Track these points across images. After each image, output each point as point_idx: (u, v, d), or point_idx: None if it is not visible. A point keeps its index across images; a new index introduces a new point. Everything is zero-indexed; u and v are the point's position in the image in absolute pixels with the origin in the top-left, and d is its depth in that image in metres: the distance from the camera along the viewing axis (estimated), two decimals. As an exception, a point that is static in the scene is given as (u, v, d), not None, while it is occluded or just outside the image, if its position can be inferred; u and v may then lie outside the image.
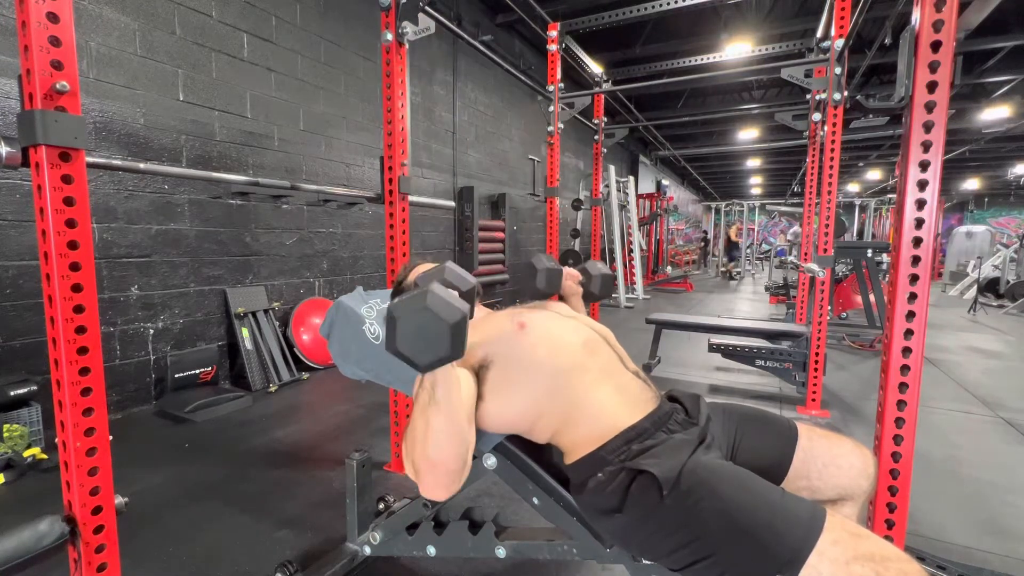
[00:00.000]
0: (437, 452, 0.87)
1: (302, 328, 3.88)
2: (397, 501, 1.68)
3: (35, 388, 2.42)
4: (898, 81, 1.09)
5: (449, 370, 0.87)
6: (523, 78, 3.89)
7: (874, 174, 15.80)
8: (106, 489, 1.11)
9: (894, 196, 3.01)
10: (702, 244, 17.02)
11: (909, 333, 1.13)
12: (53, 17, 0.97)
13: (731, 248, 13.94)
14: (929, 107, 1.05)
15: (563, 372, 1.02)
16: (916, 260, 1.11)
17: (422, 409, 0.87)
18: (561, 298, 1.48)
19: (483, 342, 1.07)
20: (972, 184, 17.65)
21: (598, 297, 1.54)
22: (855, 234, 13.41)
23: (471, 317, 0.90)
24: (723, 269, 13.85)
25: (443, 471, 0.88)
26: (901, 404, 1.15)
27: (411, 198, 2.28)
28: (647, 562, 1.02)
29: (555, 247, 3.75)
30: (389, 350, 0.81)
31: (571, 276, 1.48)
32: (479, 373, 1.04)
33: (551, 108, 3.62)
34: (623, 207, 8.70)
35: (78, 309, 1.04)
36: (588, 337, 1.10)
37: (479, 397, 1.02)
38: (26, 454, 2.22)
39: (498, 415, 1.04)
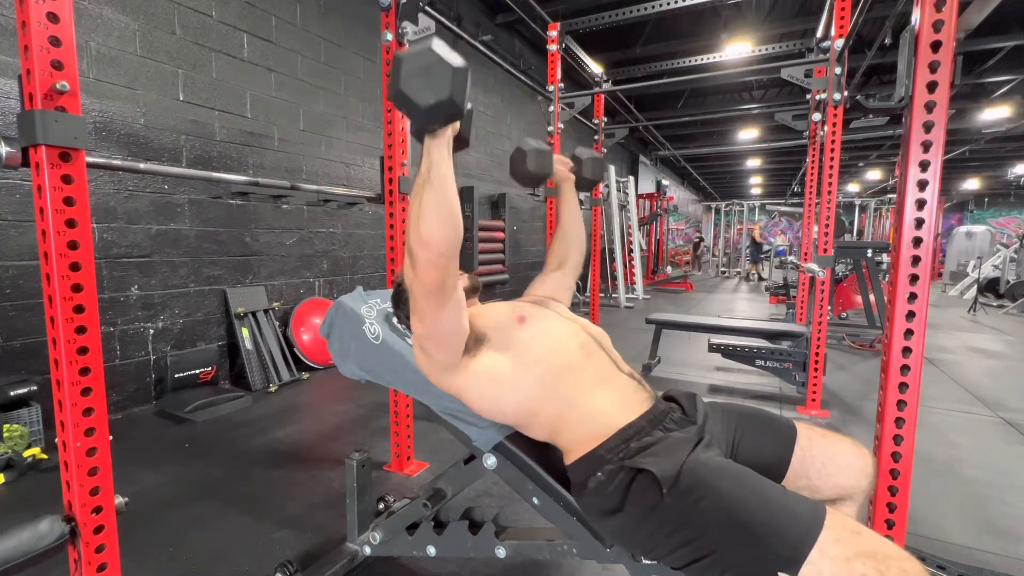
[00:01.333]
0: (428, 229, 0.89)
1: (302, 328, 3.88)
2: (397, 501, 1.68)
3: (35, 388, 2.42)
4: (898, 81, 1.09)
5: (443, 148, 0.91)
6: (523, 78, 3.89)
7: (874, 174, 15.79)
8: (106, 489, 1.11)
9: (894, 196, 3.01)
10: (695, 244, 16.57)
11: (909, 333, 1.13)
12: (53, 17, 0.97)
13: (755, 249, 13.46)
14: (929, 107, 1.05)
15: (558, 371, 1.03)
16: (916, 260, 1.11)
17: (418, 191, 0.90)
18: (554, 184, 1.44)
19: (483, 324, 1.10)
20: (972, 184, 17.65)
21: (590, 181, 1.50)
22: (855, 234, 13.41)
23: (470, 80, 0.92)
24: (739, 271, 13.73)
25: (435, 251, 0.90)
26: (901, 404, 1.15)
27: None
28: (647, 561, 1.02)
29: (555, 247, 3.74)
30: (391, 96, 0.86)
31: (562, 162, 1.44)
32: (477, 344, 1.07)
33: (551, 108, 3.63)
34: (623, 207, 8.70)
35: (78, 309, 1.05)
36: (584, 340, 1.11)
37: (475, 354, 1.06)
38: (26, 454, 2.22)
39: (494, 402, 1.06)
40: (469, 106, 0.94)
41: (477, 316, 1.13)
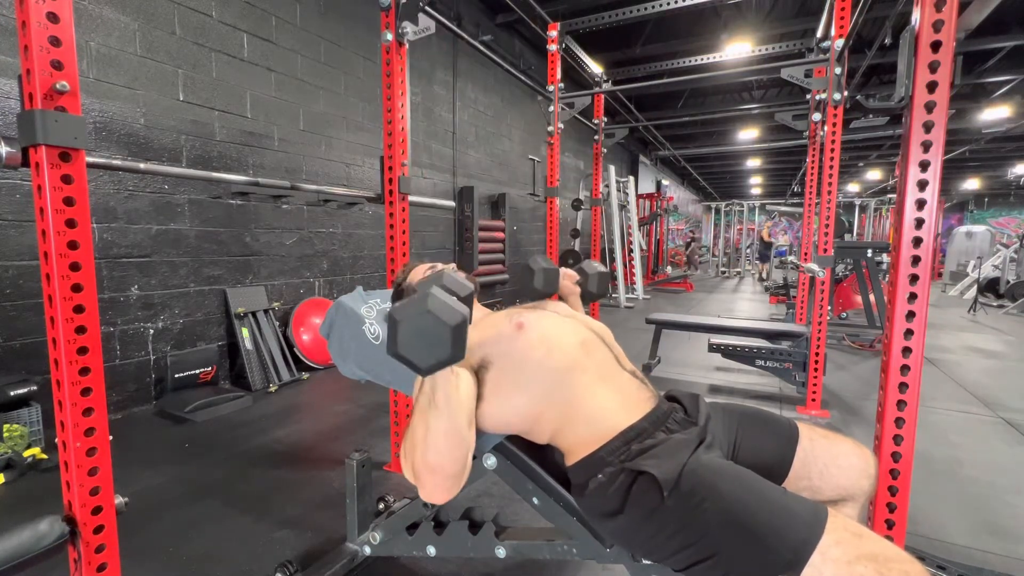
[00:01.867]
0: (437, 456, 0.87)
1: (302, 328, 3.88)
2: (397, 501, 1.68)
3: (35, 388, 2.42)
4: (898, 81, 1.09)
5: (448, 373, 0.88)
6: (523, 78, 3.89)
7: (874, 174, 15.80)
8: (106, 489, 1.11)
9: (894, 196, 3.01)
10: (687, 243, 15.78)
11: (909, 333, 1.13)
12: (53, 17, 0.97)
13: (764, 248, 13.25)
14: (929, 107, 1.05)
15: (561, 372, 1.02)
16: (916, 260, 1.10)
17: (422, 413, 0.88)
18: (560, 298, 1.48)
19: (482, 343, 1.07)
20: (972, 184, 17.66)
21: (595, 296, 1.55)
22: (854, 234, 13.39)
23: (470, 322, 0.90)
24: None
25: (443, 475, 0.88)
26: (901, 404, 1.15)
27: (411, 198, 2.28)
28: (647, 562, 1.02)
29: (555, 247, 3.75)
30: (391, 354, 0.82)
31: (568, 276, 1.48)
32: (478, 374, 1.04)
33: (551, 108, 3.63)
34: (623, 207, 8.70)
35: (78, 309, 1.04)
36: (585, 337, 1.09)
37: (479, 398, 1.02)
38: (26, 454, 2.22)
39: (498, 415, 1.04)
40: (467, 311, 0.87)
41: (476, 331, 1.09)
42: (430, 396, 0.87)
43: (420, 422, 0.88)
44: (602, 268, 1.55)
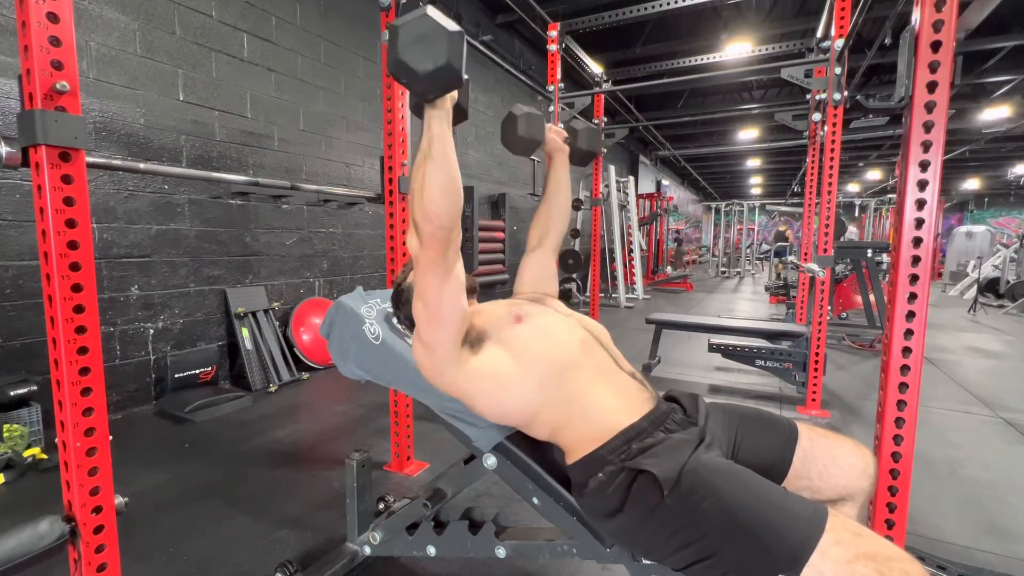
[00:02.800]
0: (432, 204, 0.89)
1: (302, 328, 3.88)
2: (397, 501, 1.68)
3: (35, 388, 2.42)
4: (898, 81, 1.09)
5: (443, 122, 0.91)
6: (523, 78, 3.89)
7: (874, 174, 15.80)
8: (106, 489, 1.11)
9: (894, 196, 3.01)
10: (677, 242, 14.81)
11: (909, 333, 1.13)
12: (53, 17, 0.97)
13: (781, 242, 12.86)
14: (929, 107, 1.05)
15: (560, 368, 1.03)
16: (916, 260, 1.10)
17: (420, 164, 0.91)
18: (549, 156, 1.41)
19: (483, 322, 1.10)
20: (972, 184, 17.66)
21: (586, 152, 1.46)
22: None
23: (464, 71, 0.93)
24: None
25: (438, 224, 0.90)
26: (901, 404, 1.15)
27: (411, 198, 2.27)
28: (647, 562, 1.02)
29: (555, 247, 3.74)
30: (390, 67, 0.86)
31: (556, 132, 1.41)
32: (478, 341, 1.07)
33: (551, 108, 3.62)
34: (623, 207, 8.70)
35: (78, 309, 1.04)
36: (584, 337, 1.10)
37: (476, 351, 1.04)
38: (26, 454, 2.22)
39: (497, 404, 1.05)
40: (466, 76, 0.94)
41: (476, 315, 1.12)
42: (426, 151, 0.90)
43: (417, 173, 0.91)
44: (590, 124, 1.48)
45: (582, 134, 1.44)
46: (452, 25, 0.85)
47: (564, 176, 1.42)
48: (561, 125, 1.47)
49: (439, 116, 0.91)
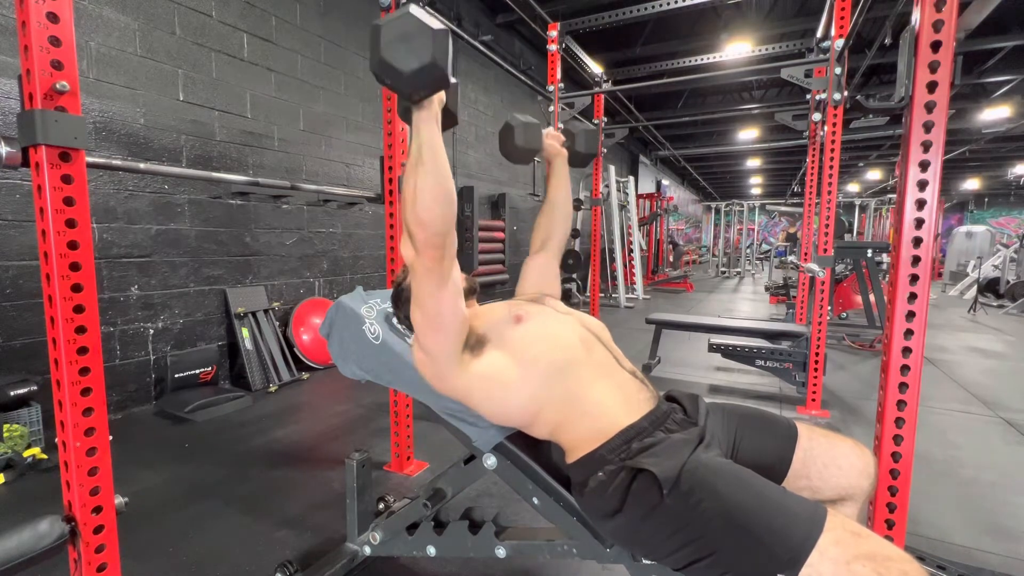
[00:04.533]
0: (424, 211, 0.88)
1: (302, 328, 3.88)
2: (397, 501, 1.68)
3: (35, 388, 2.42)
4: (898, 81, 1.09)
5: (432, 126, 0.90)
6: (523, 78, 3.89)
7: (874, 174, 15.80)
8: (106, 489, 1.11)
9: (894, 196, 3.01)
10: (672, 244, 14.35)
11: (909, 333, 1.13)
12: (53, 17, 0.97)
13: (792, 245, 12.77)
14: (929, 107, 1.05)
15: (561, 367, 1.03)
16: (916, 260, 1.11)
17: (410, 172, 0.89)
18: (547, 161, 1.41)
19: (483, 325, 1.10)
20: (972, 184, 17.66)
21: (584, 155, 1.45)
22: (854, 234, 13.38)
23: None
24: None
25: (432, 231, 0.89)
26: (901, 404, 1.15)
27: (411, 198, 2.27)
28: (647, 562, 1.02)
29: (555, 247, 3.74)
30: (373, 67, 0.84)
31: (554, 136, 1.41)
32: (479, 345, 1.06)
33: (551, 108, 3.62)
34: (623, 207, 8.70)
35: (78, 309, 1.04)
36: (584, 335, 1.10)
37: (477, 354, 1.04)
38: (26, 454, 2.22)
39: (499, 405, 1.05)
40: (455, 80, 0.93)
41: (476, 318, 1.12)
42: (417, 156, 0.89)
43: (409, 180, 0.89)
44: (588, 125, 1.47)
45: (579, 137, 1.44)
46: (436, 23, 0.83)
47: (564, 180, 1.43)
48: (561, 127, 1.46)
49: (427, 119, 0.90)
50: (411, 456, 2.31)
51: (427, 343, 1.02)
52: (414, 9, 0.83)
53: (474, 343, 1.06)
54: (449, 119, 1.01)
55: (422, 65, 0.82)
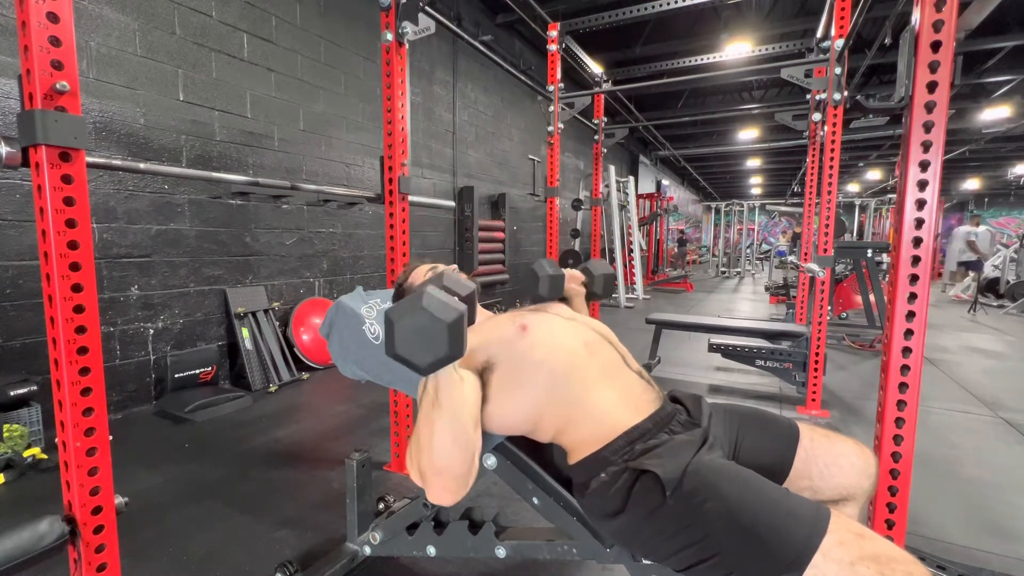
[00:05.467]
0: (443, 458, 0.86)
1: (302, 328, 3.88)
2: (397, 501, 1.68)
3: (35, 388, 2.42)
4: (898, 81, 1.09)
5: (451, 373, 0.87)
6: (523, 78, 3.89)
7: (874, 174, 15.80)
8: (106, 489, 1.11)
9: (894, 196, 3.01)
10: (679, 241, 14.27)
11: (909, 333, 1.13)
12: (53, 17, 0.97)
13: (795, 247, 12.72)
14: (929, 107, 1.05)
15: (564, 373, 1.02)
16: (916, 260, 1.11)
17: (426, 414, 0.87)
18: (564, 300, 1.47)
19: (485, 344, 1.07)
20: (972, 184, 17.65)
21: (600, 297, 1.54)
22: (855, 234, 13.38)
23: (472, 322, 0.89)
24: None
25: (449, 476, 0.88)
26: (901, 404, 1.15)
27: (411, 198, 2.28)
28: (647, 562, 1.02)
29: (555, 247, 3.75)
30: (389, 355, 0.81)
31: (573, 278, 1.47)
32: (483, 375, 1.04)
33: (551, 108, 3.62)
34: (623, 207, 8.69)
35: (78, 309, 1.04)
36: (589, 338, 1.10)
37: (484, 399, 1.02)
38: (26, 454, 2.22)
39: (502, 416, 1.04)
40: (473, 286, 0.90)
41: (476, 334, 1.08)
42: (433, 398, 0.86)
43: (425, 424, 0.87)
44: (608, 269, 1.53)
45: (598, 280, 1.51)
46: (451, 312, 0.79)
47: (581, 312, 1.45)
48: (582, 266, 1.52)
49: (446, 370, 0.86)
50: (411, 456, 2.30)
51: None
52: (426, 299, 0.79)
53: (483, 377, 1.04)
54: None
55: (437, 359, 0.80)
